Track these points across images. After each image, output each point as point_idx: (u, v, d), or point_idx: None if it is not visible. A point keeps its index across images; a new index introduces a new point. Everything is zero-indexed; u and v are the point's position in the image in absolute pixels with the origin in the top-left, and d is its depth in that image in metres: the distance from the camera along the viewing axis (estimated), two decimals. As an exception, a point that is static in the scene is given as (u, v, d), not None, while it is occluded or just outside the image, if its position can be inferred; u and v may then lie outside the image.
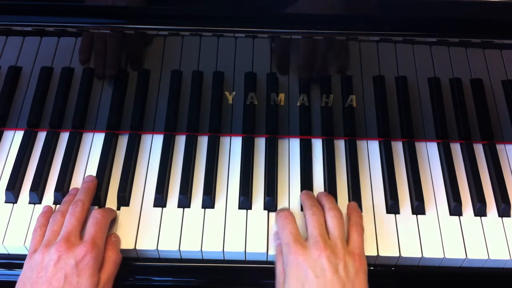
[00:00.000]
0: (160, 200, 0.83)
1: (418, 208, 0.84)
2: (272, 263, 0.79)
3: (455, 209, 0.84)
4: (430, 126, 0.89)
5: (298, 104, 0.86)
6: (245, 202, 0.83)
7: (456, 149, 0.91)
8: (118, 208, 0.83)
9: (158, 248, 0.79)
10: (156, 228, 0.81)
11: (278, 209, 0.83)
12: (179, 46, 0.79)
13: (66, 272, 0.70)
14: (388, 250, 0.80)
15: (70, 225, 0.75)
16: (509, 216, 0.84)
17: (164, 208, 0.83)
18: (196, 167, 0.88)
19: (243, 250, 0.80)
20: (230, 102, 0.86)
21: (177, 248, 0.79)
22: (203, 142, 0.90)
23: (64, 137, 0.90)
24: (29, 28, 0.77)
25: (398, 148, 0.91)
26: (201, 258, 0.81)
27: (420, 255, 0.80)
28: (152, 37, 0.78)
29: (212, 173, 0.86)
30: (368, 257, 0.77)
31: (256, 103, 0.86)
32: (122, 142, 0.90)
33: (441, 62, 0.80)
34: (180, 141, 0.90)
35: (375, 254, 0.79)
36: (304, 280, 0.70)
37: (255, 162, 0.89)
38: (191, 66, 0.83)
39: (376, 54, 0.80)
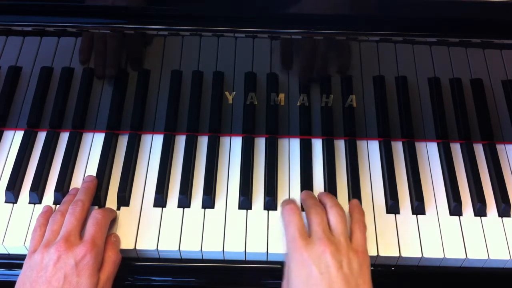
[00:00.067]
0: (160, 200, 0.83)
1: (418, 208, 0.84)
2: (272, 263, 0.79)
3: (455, 209, 0.84)
4: (430, 126, 0.89)
5: (298, 104, 0.86)
6: (245, 202, 0.83)
7: (456, 149, 0.91)
8: (118, 208, 0.83)
9: (158, 248, 0.79)
10: (156, 228, 0.81)
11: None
12: (179, 46, 0.79)
13: (65, 272, 0.70)
14: (388, 250, 0.80)
15: (70, 225, 0.75)
16: (509, 216, 0.84)
17: (164, 208, 0.83)
18: (196, 167, 0.88)
19: (243, 250, 0.79)
20: (230, 102, 0.86)
21: (177, 248, 0.79)
22: (203, 142, 0.90)
23: (64, 137, 0.90)
24: (29, 28, 0.77)
25: (398, 148, 0.91)
26: (201, 258, 0.81)
27: (420, 255, 0.80)
28: (152, 37, 0.78)
29: (212, 173, 0.86)
30: (368, 257, 0.77)
31: (256, 103, 0.86)
32: (122, 142, 0.90)
33: (441, 62, 0.80)
34: (180, 141, 0.90)
35: (375, 254, 0.79)
36: (308, 276, 0.70)
37: (255, 162, 0.89)
38: (191, 66, 0.83)
39: (376, 54, 0.80)
